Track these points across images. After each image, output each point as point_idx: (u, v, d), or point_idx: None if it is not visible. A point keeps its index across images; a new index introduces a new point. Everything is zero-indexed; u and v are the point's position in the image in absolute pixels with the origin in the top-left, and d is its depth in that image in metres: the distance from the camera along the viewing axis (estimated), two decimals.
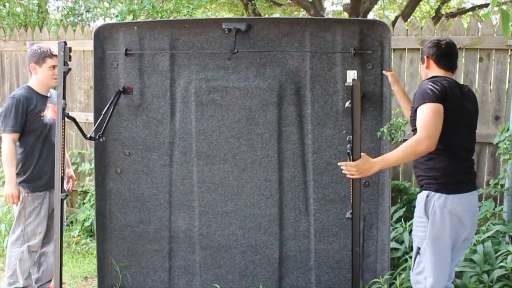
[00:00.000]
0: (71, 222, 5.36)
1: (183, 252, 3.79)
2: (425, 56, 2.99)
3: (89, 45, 4.88)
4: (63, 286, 4.18)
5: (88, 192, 5.34)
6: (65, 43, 3.15)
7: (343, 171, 2.79)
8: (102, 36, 3.66)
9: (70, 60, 3.19)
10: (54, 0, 7.15)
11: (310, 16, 11.61)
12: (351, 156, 2.80)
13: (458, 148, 2.84)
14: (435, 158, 2.80)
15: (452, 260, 2.88)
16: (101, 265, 3.86)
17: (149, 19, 5.94)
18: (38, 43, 3.71)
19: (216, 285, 3.72)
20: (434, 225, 2.79)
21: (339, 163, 2.81)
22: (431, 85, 2.76)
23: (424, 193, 2.85)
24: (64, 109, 3.14)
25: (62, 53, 3.13)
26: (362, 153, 2.76)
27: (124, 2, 6.17)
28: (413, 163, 3.01)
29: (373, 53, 3.33)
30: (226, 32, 3.44)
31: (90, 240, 4.95)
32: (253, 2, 11.71)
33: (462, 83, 4.03)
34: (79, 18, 6.72)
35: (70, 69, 3.21)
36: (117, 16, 5.78)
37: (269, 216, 3.63)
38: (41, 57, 3.58)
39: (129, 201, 3.79)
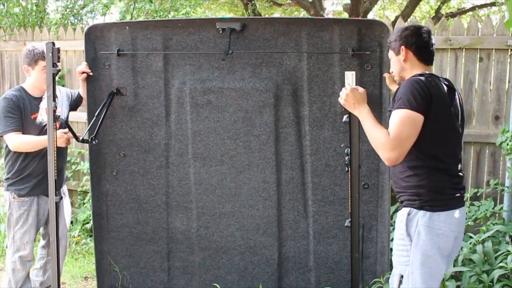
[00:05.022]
0: (71, 222, 5.36)
1: (182, 253, 3.77)
2: (402, 46, 2.56)
3: None
4: (63, 286, 4.19)
5: (88, 192, 5.33)
6: (53, 44, 3.01)
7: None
8: (94, 36, 3.56)
9: (59, 61, 3.04)
10: (53, 0, 7.14)
11: (310, 16, 11.62)
12: (349, 167, 2.68)
13: (444, 161, 2.46)
14: (417, 175, 2.44)
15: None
16: (99, 266, 3.84)
17: (146, 19, 5.93)
18: (33, 43, 3.51)
19: (216, 285, 3.72)
20: (419, 247, 2.40)
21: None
22: (416, 87, 2.38)
23: (405, 210, 2.46)
24: (54, 111, 3.04)
25: (51, 54, 3.00)
26: (362, 89, 2.66)
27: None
28: (391, 176, 2.70)
29: (371, 54, 3.27)
30: (220, 32, 3.39)
31: (90, 240, 4.95)
32: (253, 2, 11.72)
33: (462, 83, 4.05)
34: (79, 18, 6.73)
35: (59, 71, 3.03)
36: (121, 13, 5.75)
37: (268, 217, 3.61)
38: (34, 58, 3.39)
39: (126, 203, 3.75)
